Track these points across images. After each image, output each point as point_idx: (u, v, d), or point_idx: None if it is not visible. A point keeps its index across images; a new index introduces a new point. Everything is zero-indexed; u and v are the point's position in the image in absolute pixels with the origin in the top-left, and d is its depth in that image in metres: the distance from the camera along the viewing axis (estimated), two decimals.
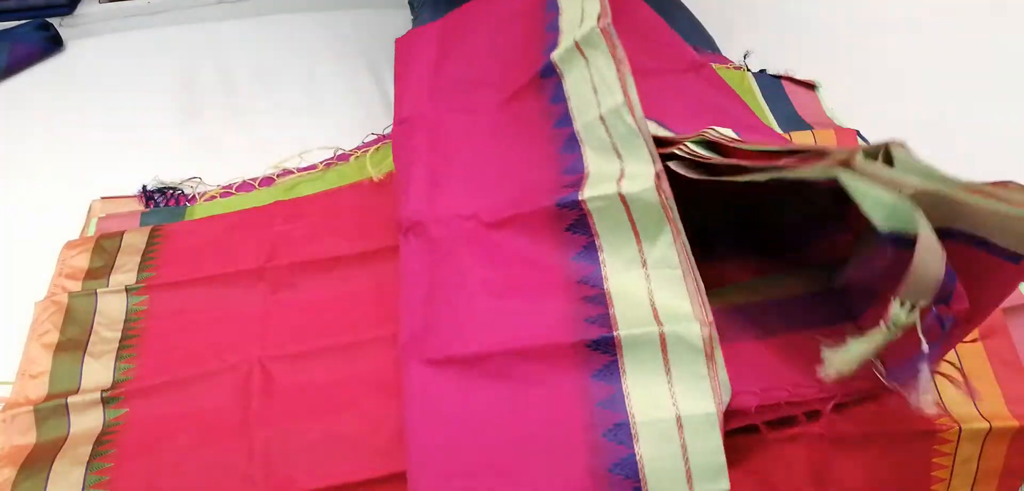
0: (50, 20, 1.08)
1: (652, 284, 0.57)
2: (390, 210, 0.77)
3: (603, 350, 0.55)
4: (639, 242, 0.58)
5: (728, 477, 0.51)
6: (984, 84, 0.94)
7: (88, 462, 0.60)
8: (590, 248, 0.60)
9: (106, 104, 0.97)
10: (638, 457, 0.51)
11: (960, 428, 0.57)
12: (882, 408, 0.58)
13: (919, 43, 0.83)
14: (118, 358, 0.66)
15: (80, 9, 1.12)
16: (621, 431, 0.52)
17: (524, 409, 0.54)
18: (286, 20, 1.11)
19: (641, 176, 0.58)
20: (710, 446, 0.51)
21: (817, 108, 0.89)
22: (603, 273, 0.59)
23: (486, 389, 0.55)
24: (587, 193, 0.61)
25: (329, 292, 0.70)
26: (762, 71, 0.92)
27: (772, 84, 0.90)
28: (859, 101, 0.86)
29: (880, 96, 0.85)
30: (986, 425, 0.57)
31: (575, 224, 0.61)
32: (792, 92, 0.90)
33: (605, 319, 0.56)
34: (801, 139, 0.82)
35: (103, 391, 0.63)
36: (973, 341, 0.61)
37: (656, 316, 0.55)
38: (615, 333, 0.55)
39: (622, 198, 0.58)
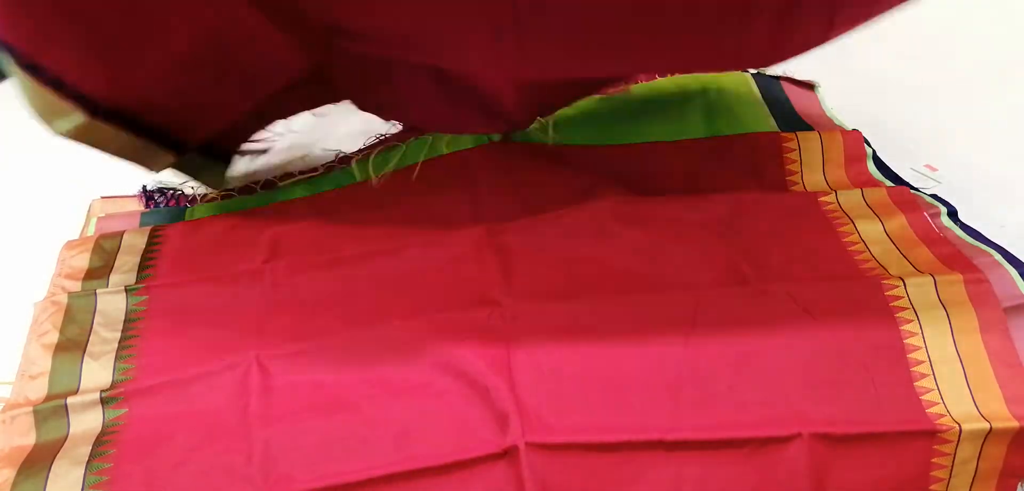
0: None
1: None
2: (389, 212, 0.77)
3: None
4: None
5: None
6: (983, 84, 0.94)
7: (87, 462, 0.60)
8: None
9: None
10: None
11: (960, 428, 0.57)
12: (882, 408, 0.58)
13: (918, 43, 0.83)
14: (117, 358, 0.66)
15: None
16: None
17: None
18: None
19: None
20: None
21: (817, 108, 0.89)
22: None
23: None
24: None
25: (328, 292, 0.70)
26: (761, 71, 0.92)
27: (771, 84, 0.90)
28: (859, 101, 0.86)
29: (879, 96, 0.85)
30: (986, 425, 0.57)
31: None
32: (791, 92, 0.89)
33: None
34: (805, 141, 0.82)
35: (102, 391, 0.63)
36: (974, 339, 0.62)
37: None
38: None
39: None
